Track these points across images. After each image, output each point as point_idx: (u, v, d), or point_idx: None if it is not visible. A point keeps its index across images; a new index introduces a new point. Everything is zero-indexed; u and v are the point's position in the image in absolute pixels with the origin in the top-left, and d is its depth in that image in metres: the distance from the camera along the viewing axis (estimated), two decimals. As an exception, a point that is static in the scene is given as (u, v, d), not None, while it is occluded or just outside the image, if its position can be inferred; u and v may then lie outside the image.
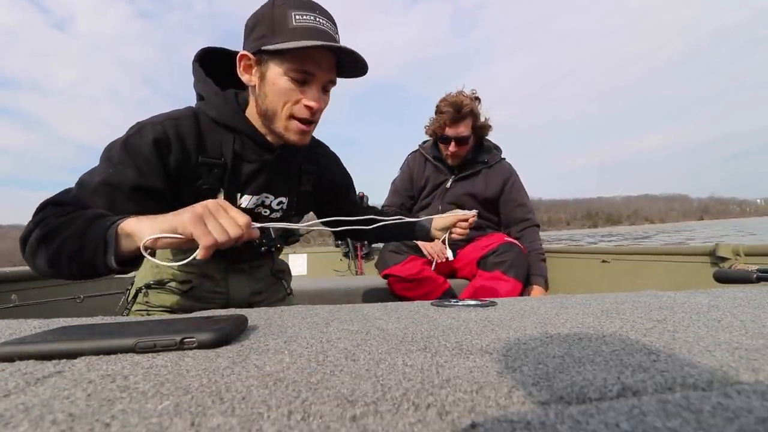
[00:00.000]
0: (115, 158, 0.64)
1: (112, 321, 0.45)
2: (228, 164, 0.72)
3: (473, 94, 1.50)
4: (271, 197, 0.81)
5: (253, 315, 0.49)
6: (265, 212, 0.81)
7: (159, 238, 0.49)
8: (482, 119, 1.52)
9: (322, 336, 0.37)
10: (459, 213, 0.92)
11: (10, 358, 0.31)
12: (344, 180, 0.97)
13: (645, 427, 0.17)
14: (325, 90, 0.72)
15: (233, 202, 0.75)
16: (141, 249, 0.50)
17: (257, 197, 0.78)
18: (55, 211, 0.57)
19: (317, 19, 0.66)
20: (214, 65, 0.76)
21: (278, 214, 0.83)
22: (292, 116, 0.69)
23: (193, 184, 0.71)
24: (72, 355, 0.31)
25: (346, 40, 0.70)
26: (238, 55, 0.69)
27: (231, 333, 0.36)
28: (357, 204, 1.02)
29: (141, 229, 0.51)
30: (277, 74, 0.67)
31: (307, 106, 0.68)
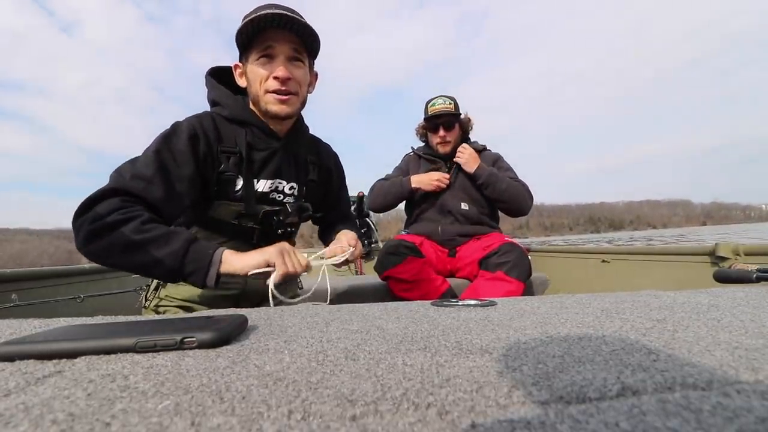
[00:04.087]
0: (162, 153, 0.75)
1: (112, 321, 0.46)
2: (243, 153, 0.84)
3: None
4: (284, 182, 0.90)
5: (253, 315, 0.49)
6: (279, 197, 0.90)
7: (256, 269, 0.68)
8: (463, 114, 1.65)
9: (322, 336, 0.37)
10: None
11: (10, 358, 0.31)
12: (338, 172, 1.08)
13: (645, 427, 0.17)
14: (294, 61, 0.82)
15: (251, 187, 0.85)
16: (248, 274, 0.67)
17: (271, 182, 0.88)
18: (134, 214, 0.67)
19: (270, 6, 0.77)
20: (222, 79, 0.90)
21: (291, 199, 0.92)
22: (267, 91, 0.82)
23: (216, 170, 0.82)
24: (72, 355, 0.31)
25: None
26: (233, 65, 0.87)
27: (231, 333, 0.36)
28: (342, 200, 1.13)
29: (236, 260, 0.68)
30: (251, 65, 0.81)
31: (275, 78, 0.80)
